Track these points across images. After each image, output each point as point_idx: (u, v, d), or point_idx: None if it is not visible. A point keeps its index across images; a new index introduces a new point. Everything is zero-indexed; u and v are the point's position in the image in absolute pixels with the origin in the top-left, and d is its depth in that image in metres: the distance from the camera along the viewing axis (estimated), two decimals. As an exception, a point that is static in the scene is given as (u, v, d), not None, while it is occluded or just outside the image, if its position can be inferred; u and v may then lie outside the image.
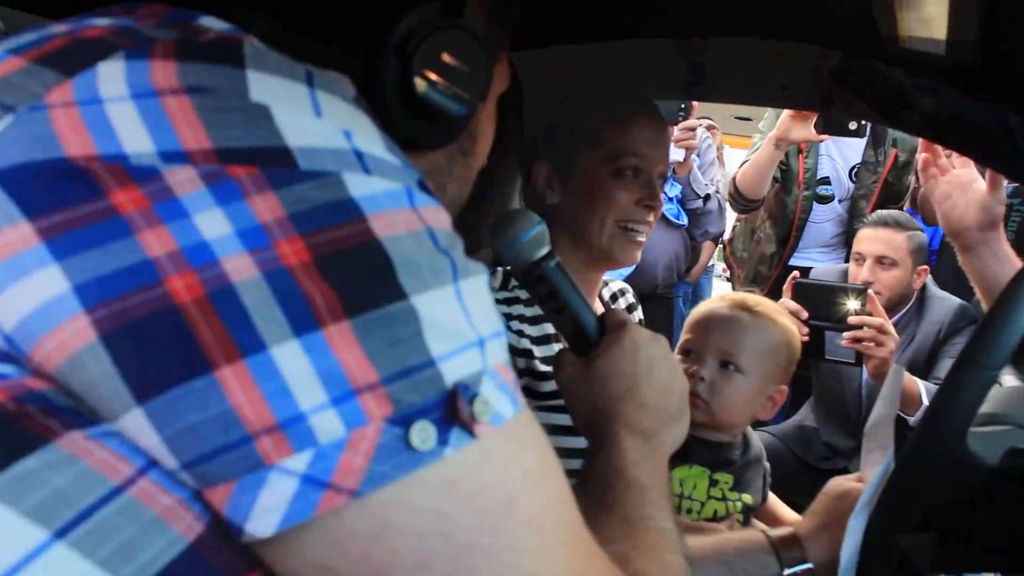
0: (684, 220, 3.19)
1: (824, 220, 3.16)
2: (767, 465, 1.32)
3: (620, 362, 0.83)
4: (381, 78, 0.60)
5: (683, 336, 1.30)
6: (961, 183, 1.40)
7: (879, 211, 2.45)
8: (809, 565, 0.98)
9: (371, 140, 0.47)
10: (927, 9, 0.93)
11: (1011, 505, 0.83)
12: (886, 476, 0.85)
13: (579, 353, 0.86)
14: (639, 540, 0.69)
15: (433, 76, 0.61)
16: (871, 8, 0.96)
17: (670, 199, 3.14)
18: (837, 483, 1.03)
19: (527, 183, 1.28)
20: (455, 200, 0.73)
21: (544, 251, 0.85)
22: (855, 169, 3.08)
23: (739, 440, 1.29)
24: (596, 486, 0.75)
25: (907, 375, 1.96)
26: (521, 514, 0.46)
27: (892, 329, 1.93)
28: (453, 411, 0.43)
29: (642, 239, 1.23)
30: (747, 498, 1.23)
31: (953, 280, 2.49)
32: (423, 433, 0.42)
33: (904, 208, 3.15)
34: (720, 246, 4.29)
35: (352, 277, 0.42)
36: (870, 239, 2.35)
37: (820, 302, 2.00)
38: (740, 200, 2.93)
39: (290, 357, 0.40)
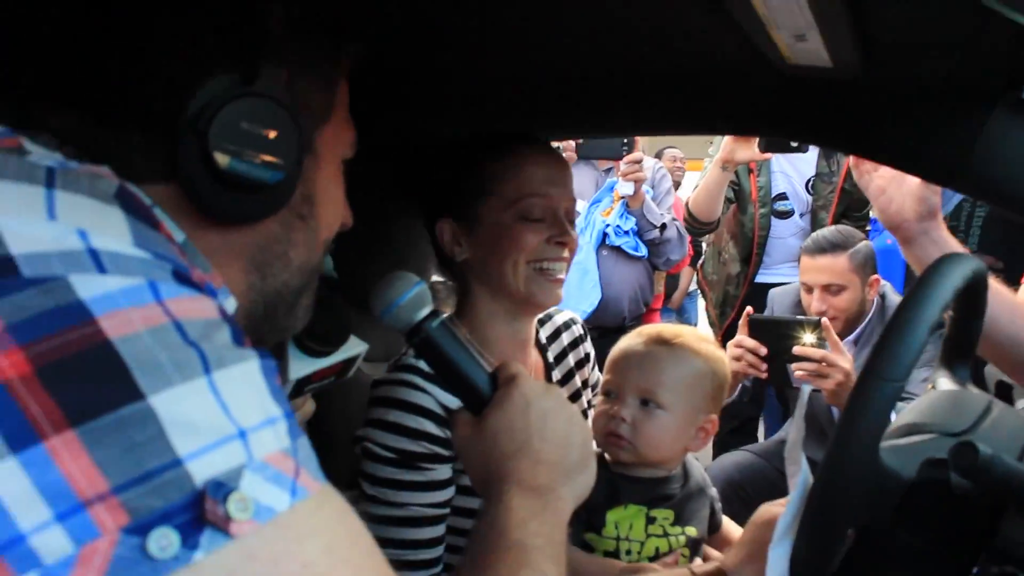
0: (643, 252, 3.18)
1: (788, 235, 3.18)
2: (713, 493, 1.29)
3: (511, 418, 0.80)
4: (183, 157, 0.59)
5: (603, 377, 1.28)
6: (894, 177, 1.39)
7: (814, 236, 2.44)
8: None
9: (115, 236, 0.46)
10: (800, 30, 0.94)
11: (932, 518, 0.80)
12: (804, 500, 0.83)
13: (473, 412, 0.84)
14: None
15: (235, 148, 0.60)
16: (752, 39, 0.97)
17: (625, 232, 3.13)
18: (764, 510, 1.00)
19: (434, 242, 1.27)
20: (303, 267, 0.72)
21: (424, 312, 0.83)
22: (811, 182, 3.11)
23: (677, 473, 1.25)
24: (477, 548, 0.73)
25: None
26: None
27: (839, 359, 1.94)
28: (202, 512, 0.41)
29: (561, 276, 1.21)
30: (691, 531, 1.20)
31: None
32: (162, 540, 0.40)
33: (867, 213, 3.16)
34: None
35: (79, 384, 0.40)
36: (812, 269, 2.34)
37: (777, 336, 2.03)
38: (694, 223, 2.95)
39: (6, 477, 0.38)
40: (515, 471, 0.77)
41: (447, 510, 1.13)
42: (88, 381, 0.41)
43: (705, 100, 1.30)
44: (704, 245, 3.71)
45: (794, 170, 3.12)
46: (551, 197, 1.20)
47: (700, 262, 3.67)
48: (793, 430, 0.84)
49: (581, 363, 1.42)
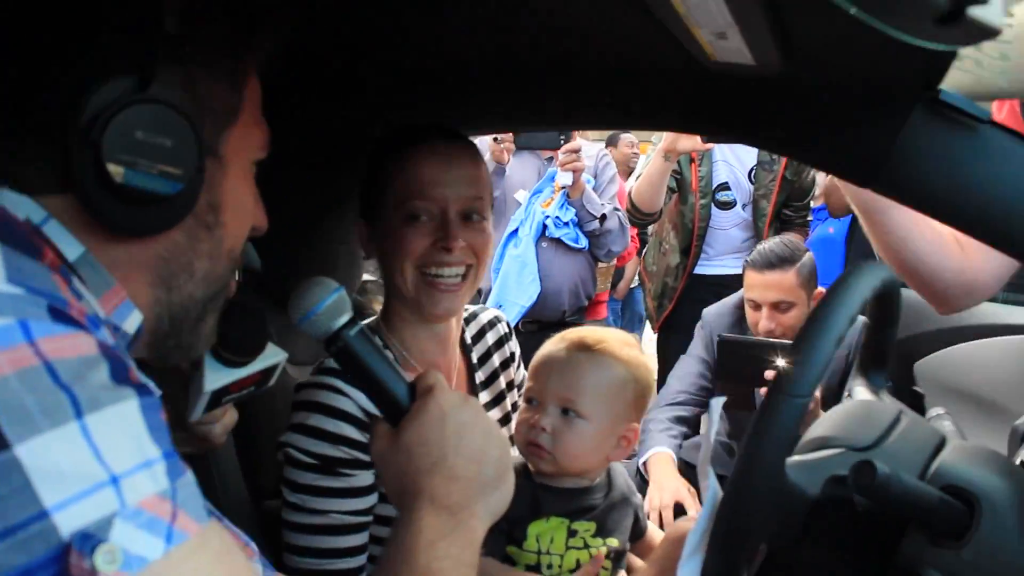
0: (584, 243, 3.15)
1: (730, 226, 3.18)
2: (638, 500, 1.27)
3: (427, 432, 0.78)
4: (77, 168, 0.57)
5: (526, 383, 1.24)
6: None
7: (761, 250, 2.37)
8: None
9: None
10: (719, 28, 0.92)
11: (838, 535, 0.80)
12: (712, 515, 0.81)
13: (392, 423, 0.81)
14: None
15: (130, 158, 0.58)
16: (676, 37, 0.94)
17: (565, 223, 3.09)
18: (676, 526, 0.99)
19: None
20: (208, 276, 0.70)
21: (343, 320, 0.80)
22: (752, 171, 3.10)
23: (601, 482, 1.23)
24: (385, 568, 0.72)
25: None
26: None
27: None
28: (66, 567, 0.41)
29: (452, 282, 1.15)
30: (612, 542, 1.18)
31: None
32: None
33: (813, 203, 3.12)
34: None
35: None
36: (761, 286, 2.26)
37: (746, 360, 1.99)
38: (636, 214, 2.93)
39: None
40: (428, 487, 0.76)
41: (369, 518, 1.10)
42: None
43: (634, 96, 1.28)
44: (650, 235, 3.70)
45: (736, 160, 3.11)
46: (436, 199, 1.14)
47: (644, 252, 3.66)
48: (703, 445, 0.82)
49: (506, 363, 1.39)
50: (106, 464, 0.44)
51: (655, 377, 1.28)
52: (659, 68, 1.14)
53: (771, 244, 2.34)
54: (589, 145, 3.24)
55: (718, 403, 0.89)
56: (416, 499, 0.75)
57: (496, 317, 1.41)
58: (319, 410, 1.08)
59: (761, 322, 2.26)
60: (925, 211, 1.09)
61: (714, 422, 0.87)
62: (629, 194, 2.95)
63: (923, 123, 1.06)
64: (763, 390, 1.95)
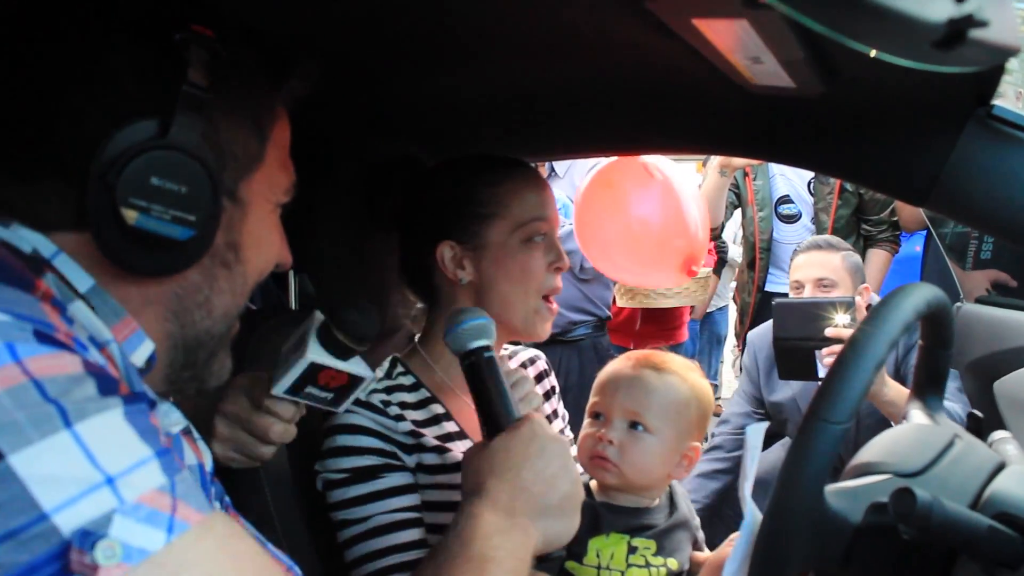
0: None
1: (797, 240, 3.10)
2: (697, 523, 1.27)
3: (513, 443, 0.87)
4: (92, 210, 0.59)
5: (591, 399, 1.27)
6: None
7: (812, 236, 2.38)
8: None
9: None
10: (753, 53, 0.92)
11: (882, 564, 0.78)
12: (750, 544, 0.80)
13: (488, 438, 0.90)
14: None
15: (144, 203, 0.59)
16: (717, 68, 0.95)
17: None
18: (719, 552, 0.98)
19: (414, 263, 1.25)
20: (228, 312, 0.72)
21: (481, 343, 0.95)
22: (811, 184, 3.04)
23: (662, 503, 1.25)
24: (440, 555, 0.77)
25: (894, 385, 1.91)
26: None
27: None
28: (68, 563, 0.43)
29: (554, 308, 1.23)
30: (672, 563, 1.18)
31: (939, 284, 2.38)
32: None
33: (890, 216, 2.99)
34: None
35: None
36: (806, 264, 2.28)
37: (805, 320, 1.94)
38: None
39: None
40: (495, 490, 0.82)
41: (414, 515, 1.11)
42: None
43: (675, 121, 1.28)
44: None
45: (794, 172, 3.04)
46: (550, 220, 1.21)
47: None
48: (742, 471, 0.81)
49: (548, 395, 1.43)
50: (100, 467, 0.46)
51: (712, 402, 1.29)
52: (702, 92, 1.14)
53: (819, 235, 2.38)
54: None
55: (757, 430, 0.88)
56: (481, 497, 0.82)
57: (536, 355, 1.45)
58: (340, 431, 1.12)
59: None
60: (978, 227, 1.06)
61: (753, 447, 0.86)
62: (688, 210, 2.93)
63: (976, 139, 1.03)
64: (824, 352, 1.92)
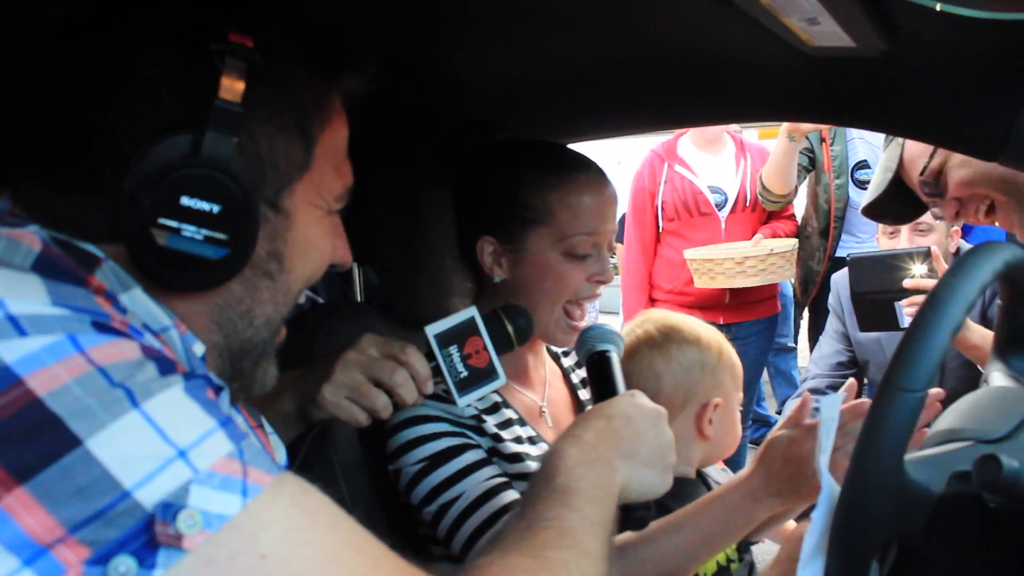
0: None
1: (872, 205, 3.00)
2: None
3: (614, 401, 0.91)
4: (126, 227, 0.58)
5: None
6: None
7: None
8: None
9: (32, 299, 0.49)
10: (809, 14, 0.89)
11: (967, 534, 0.76)
12: (828, 517, 0.79)
13: None
14: (533, 540, 0.71)
15: (174, 224, 0.58)
16: (769, 27, 0.92)
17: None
18: (798, 526, 0.96)
19: (462, 248, 1.25)
20: (270, 320, 0.70)
21: (604, 347, 1.04)
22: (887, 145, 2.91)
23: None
24: (527, 494, 0.80)
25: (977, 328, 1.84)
26: None
27: None
28: (153, 535, 0.45)
29: (583, 324, 1.18)
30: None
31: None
32: (121, 566, 0.44)
33: None
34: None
35: (20, 443, 0.44)
36: None
37: (882, 272, 1.90)
38: (768, 196, 2.85)
39: None
40: (581, 430, 0.85)
41: (503, 479, 1.10)
42: (28, 439, 0.45)
43: (734, 90, 1.25)
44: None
45: (873, 136, 2.91)
46: (599, 233, 1.16)
47: None
48: (818, 445, 0.79)
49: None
50: (171, 441, 0.48)
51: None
52: (757, 58, 1.11)
53: None
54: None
55: (833, 402, 0.86)
56: (566, 437, 0.84)
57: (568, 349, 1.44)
58: (407, 424, 1.11)
59: (900, 245, 2.19)
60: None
61: (829, 419, 0.84)
62: (760, 177, 2.86)
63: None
64: (905, 302, 1.87)
